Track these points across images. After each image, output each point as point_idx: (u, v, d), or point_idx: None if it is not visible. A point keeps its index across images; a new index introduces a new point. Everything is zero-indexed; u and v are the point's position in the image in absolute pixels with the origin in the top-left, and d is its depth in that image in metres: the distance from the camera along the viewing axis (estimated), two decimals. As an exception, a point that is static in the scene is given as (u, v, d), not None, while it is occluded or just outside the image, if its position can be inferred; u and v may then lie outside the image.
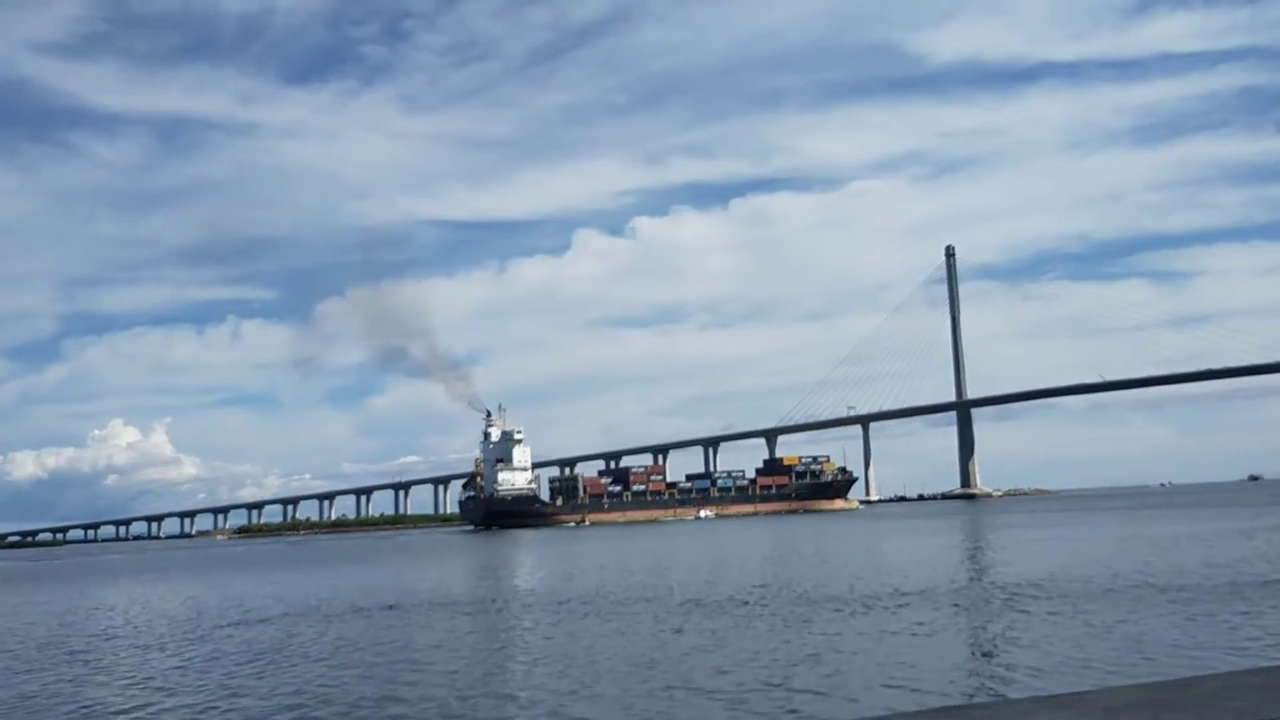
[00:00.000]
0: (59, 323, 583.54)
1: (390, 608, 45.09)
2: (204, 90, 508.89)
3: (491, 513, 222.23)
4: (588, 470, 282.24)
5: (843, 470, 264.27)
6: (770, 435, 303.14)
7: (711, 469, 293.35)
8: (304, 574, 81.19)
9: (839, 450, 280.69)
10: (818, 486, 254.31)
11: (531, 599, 46.54)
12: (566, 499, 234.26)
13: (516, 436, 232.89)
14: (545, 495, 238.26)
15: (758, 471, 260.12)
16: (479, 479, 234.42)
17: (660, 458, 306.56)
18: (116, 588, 77.31)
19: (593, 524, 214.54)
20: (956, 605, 35.67)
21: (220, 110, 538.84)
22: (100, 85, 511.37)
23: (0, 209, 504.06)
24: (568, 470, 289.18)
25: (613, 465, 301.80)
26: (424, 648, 32.16)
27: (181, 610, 51.12)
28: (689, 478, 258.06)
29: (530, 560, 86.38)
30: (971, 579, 45.97)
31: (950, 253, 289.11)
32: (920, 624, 31.44)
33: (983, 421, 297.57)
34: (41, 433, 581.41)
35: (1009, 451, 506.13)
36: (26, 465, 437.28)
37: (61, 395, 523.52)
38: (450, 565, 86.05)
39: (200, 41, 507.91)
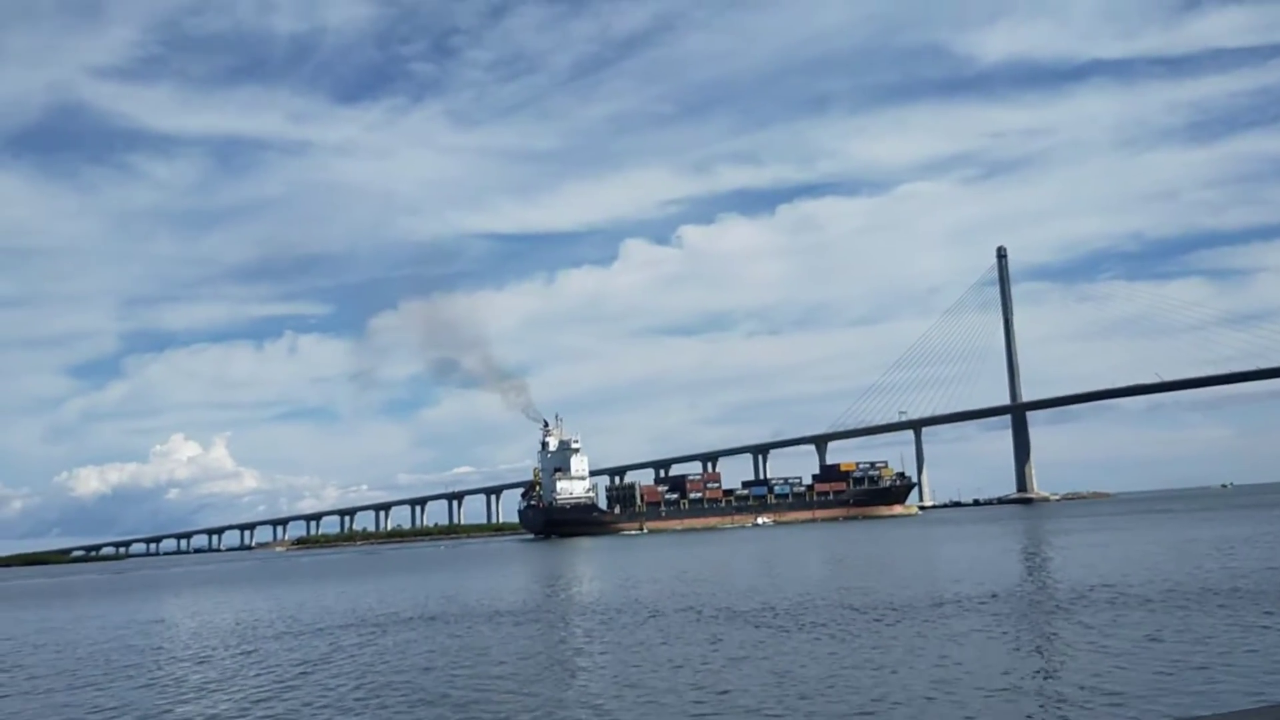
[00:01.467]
0: (120, 341, 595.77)
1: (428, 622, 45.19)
2: (258, 110, 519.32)
3: (551, 521, 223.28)
4: (638, 478, 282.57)
5: (901, 475, 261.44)
6: (820, 441, 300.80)
7: (761, 476, 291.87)
8: (366, 584, 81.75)
9: (890, 456, 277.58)
10: (876, 492, 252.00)
11: (601, 608, 46.43)
12: (624, 507, 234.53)
13: (574, 445, 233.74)
14: (603, 504, 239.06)
15: (814, 478, 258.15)
16: (537, 488, 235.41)
17: (710, 465, 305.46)
18: (174, 601, 78.44)
19: (650, 532, 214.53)
20: (1061, 611, 34.97)
21: (274, 130, 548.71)
22: (157, 107, 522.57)
23: (62, 230, 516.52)
24: (618, 479, 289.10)
25: (662, 473, 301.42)
26: (476, 658, 32.13)
27: (234, 622, 51.68)
28: (745, 484, 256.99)
29: (594, 568, 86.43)
30: (1063, 585, 45.09)
31: (1001, 254, 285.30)
32: (1051, 633, 30.85)
33: (1038, 424, 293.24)
34: (105, 449, 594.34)
35: (1066, 455, 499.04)
36: (90, 481, 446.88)
37: (124, 411, 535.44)
38: (516, 573, 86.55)
39: (253, 63, 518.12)
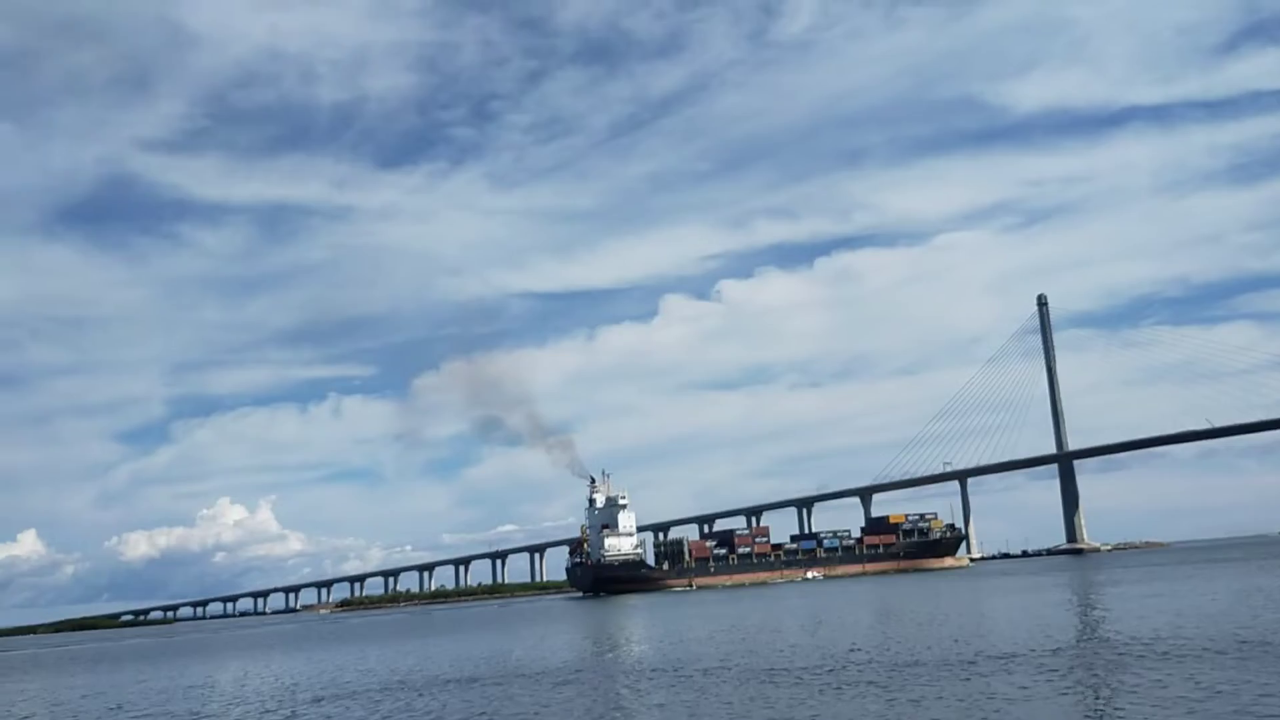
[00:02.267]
0: (168, 406, 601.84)
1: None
2: (302, 178, 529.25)
3: (599, 579, 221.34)
4: (682, 534, 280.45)
5: (951, 527, 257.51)
6: (865, 494, 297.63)
7: (807, 529, 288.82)
8: (412, 645, 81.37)
9: (936, 508, 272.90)
10: (926, 544, 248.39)
11: (652, 667, 45.85)
12: (672, 563, 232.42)
13: (621, 501, 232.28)
14: (651, 560, 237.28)
15: (863, 530, 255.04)
16: (585, 545, 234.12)
17: (755, 519, 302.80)
18: (216, 665, 78.44)
19: (699, 588, 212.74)
20: (1123, 664, 34.05)
21: (317, 196, 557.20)
22: (204, 178, 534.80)
23: (113, 299, 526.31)
24: (662, 535, 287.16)
25: (706, 528, 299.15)
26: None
27: (274, 686, 51.53)
28: (793, 538, 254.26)
29: (644, 627, 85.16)
30: (1125, 638, 43.95)
31: (1042, 302, 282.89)
32: (1118, 687, 30.04)
33: (1087, 473, 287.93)
34: (153, 513, 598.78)
35: (1116, 504, 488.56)
36: (139, 545, 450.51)
37: (171, 476, 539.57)
38: (566, 632, 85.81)
39: (297, 131, 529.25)
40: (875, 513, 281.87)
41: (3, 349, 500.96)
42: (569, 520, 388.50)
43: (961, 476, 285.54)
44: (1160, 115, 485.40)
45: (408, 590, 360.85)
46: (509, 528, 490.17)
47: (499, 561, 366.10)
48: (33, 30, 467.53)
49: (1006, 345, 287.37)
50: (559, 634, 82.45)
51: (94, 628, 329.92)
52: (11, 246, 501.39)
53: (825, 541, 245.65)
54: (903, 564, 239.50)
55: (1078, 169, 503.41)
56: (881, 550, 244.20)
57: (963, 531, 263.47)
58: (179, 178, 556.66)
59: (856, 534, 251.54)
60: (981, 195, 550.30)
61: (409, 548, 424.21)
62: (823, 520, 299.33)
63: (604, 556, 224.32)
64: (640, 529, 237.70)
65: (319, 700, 42.66)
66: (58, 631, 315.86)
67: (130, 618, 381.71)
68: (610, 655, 55.12)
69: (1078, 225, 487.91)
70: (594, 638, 73.41)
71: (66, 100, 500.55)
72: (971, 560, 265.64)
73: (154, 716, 41.34)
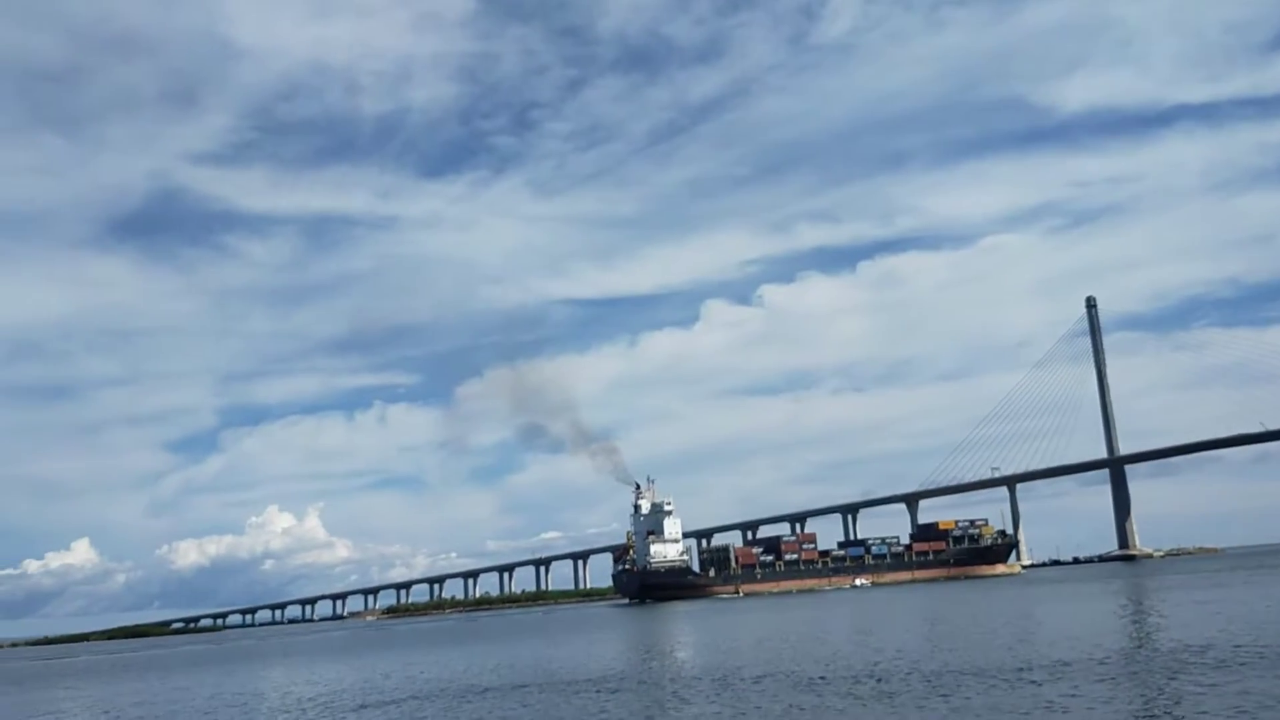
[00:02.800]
0: (217, 415, 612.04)
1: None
2: (346, 189, 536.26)
3: (645, 586, 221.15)
4: (725, 540, 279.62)
5: (1002, 534, 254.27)
6: (911, 500, 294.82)
7: (851, 536, 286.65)
8: (458, 651, 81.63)
9: (986, 514, 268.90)
10: (976, 551, 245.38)
11: (699, 674, 45.63)
12: (718, 570, 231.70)
13: (667, 508, 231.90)
14: (696, 567, 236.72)
15: (912, 537, 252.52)
16: (631, 552, 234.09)
17: (799, 526, 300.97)
18: (263, 672, 79.16)
19: (746, 595, 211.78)
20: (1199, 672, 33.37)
21: (362, 207, 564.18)
22: (251, 189, 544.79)
23: (163, 310, 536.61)
24: (705, 541, 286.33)
25: (750, 535, 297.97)
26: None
27: (320, 693, 51.85)
28: (841, 545, 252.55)
29: (691, 634, 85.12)
30: (1194, 646, 43.08)
31: (1091, 304, 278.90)
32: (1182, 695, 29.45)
33: (1138, 478, 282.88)
34: (203, 521, 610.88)
35: (1169, 509, 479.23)
36: (189, 554, 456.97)
37: (220, 485, 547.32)
38: (613, 639, 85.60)
39: (341, 143, 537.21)
40: (922, 519, 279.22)
41: (56, 361, 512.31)
42: (613, 527, 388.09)
43: (1010, 482, 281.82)
44: (1208, 114, 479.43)
45: (452, 597, 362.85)
46: (553, 534, 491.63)
47: (543, 568, 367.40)
48: (83, 46, 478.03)
49: (1054, 348, 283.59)
50: (607, 641, 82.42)
51: (145, 635, 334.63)
52: (65, 260, 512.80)
53: (873, 548, 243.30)
54: (952, 571, 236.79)
55: (1125, 169, 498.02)
56: (931, 557, 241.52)
57: (1014, 538, 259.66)
58: (226, 190, 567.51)
59: (905, 540, 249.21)
60: (1027, 197, 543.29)
61: (454, 555, 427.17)
62: (868, 527, 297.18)
63: (650, 563, 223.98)
64: (683, 535, 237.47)
65: (363, 707, 42.81)
66: (110, 639, 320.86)
67: (181, 625, 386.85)
68: (657, 663, 54.89)
69: (1126, 226, 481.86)
70: (642, 645, 73.16)
71: (116, 115, 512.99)
72: (1024, 567, 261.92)
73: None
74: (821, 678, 39.52)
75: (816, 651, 52.72)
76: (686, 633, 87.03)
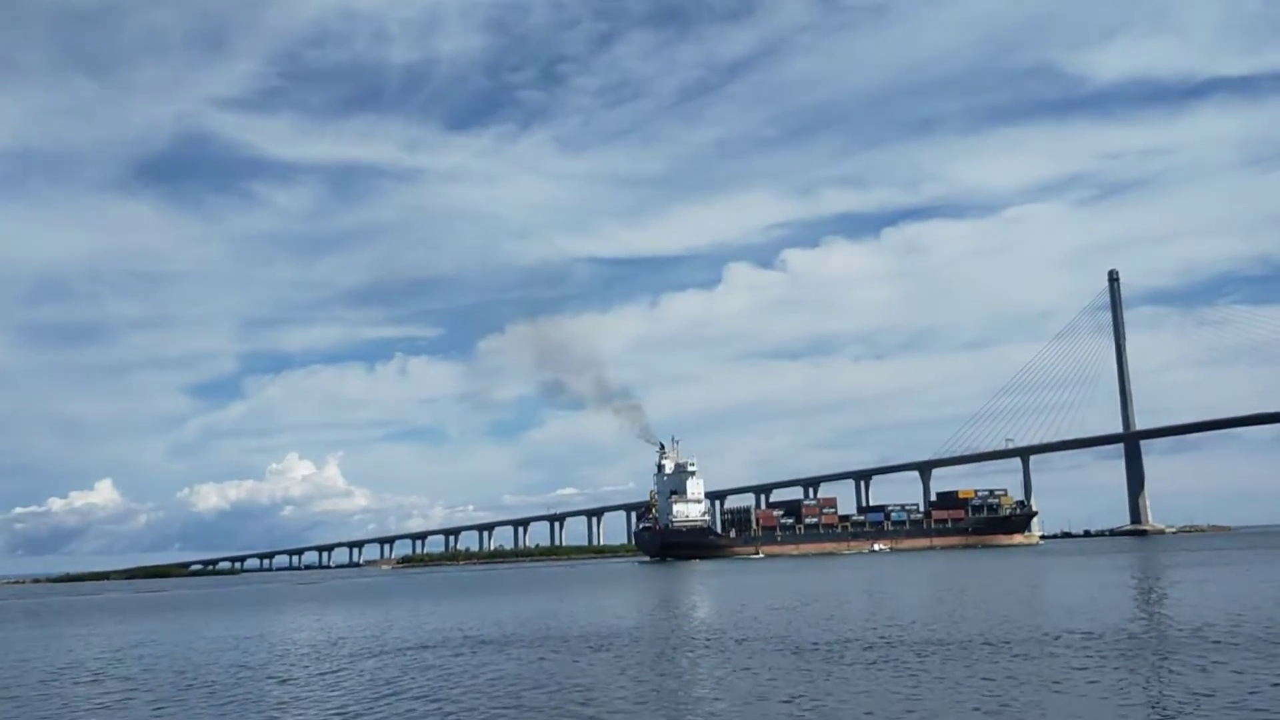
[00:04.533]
0: (240, 362, 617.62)
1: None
2: (372, 139, 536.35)
3: (667, 544, 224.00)
4: (737, 503, 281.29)
5: (1021, 504, 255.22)
6: (925, 468, 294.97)
7: (864, 502, 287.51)
8: (473, 603, 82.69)
9: (999, 485, 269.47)
10: (995, 521, 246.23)
11: (722, 632, 46.23)
12: (739, 531, 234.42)
13: (690, 469, 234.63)
14: (718, 527, 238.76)
15: (930, 504, 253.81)
16: (653, 510, 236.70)
17: (812, 490, 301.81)
18: (274, 617, 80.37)
19: (766, 556, 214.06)
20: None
21: (387, 157, 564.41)
22: (277, 137, 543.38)
23: (188, 255, 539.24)
24: (719, 503, 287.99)
25: (763, 498, 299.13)
26: (551, 684, 32.22)
27: (326, 639, 52.75)
28: (860, 510, 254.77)
29: (714, 593, 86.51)
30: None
31: (1114, 277, 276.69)
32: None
33: (1155, 454, 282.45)
34: (224, 466, 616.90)
35: (1183, 486, 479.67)
36: (210, 497, 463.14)
37: (242, 430, 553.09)
38: (638, 595, 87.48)
39: (368, 92, 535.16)
40: (934, 488, 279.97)
41: (84, 302, 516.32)
42: (629, 485, 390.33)
43: (1024, 454, 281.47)
44: (1246, 87, 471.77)
45: (467, 549, 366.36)
46: (569, 491, 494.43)
47: (557, 524, 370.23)
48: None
49: (1076, 321, 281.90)
50: (630, 597, 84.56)
51: (164, 576, 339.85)
52: (92, 202, 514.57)
53: (893, 514, 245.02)
54: (970, 539, 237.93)
55: (1158, 141, 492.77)
56: (950, 525, 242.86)
57: (1033, 509, 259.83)
58: (252, 136, 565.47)
59: (924, 508, 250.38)
60: (1057, 167, 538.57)
61: (471, 507, 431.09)
62: (880, 494, 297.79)
63: (672, 522, 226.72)
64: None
65: (370, 655, 43.54)
66: (130, 578, 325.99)
67: (199, 567, 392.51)
68: (674, 621, 55.61)
69: (1156, 199, 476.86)
70: (665, 602, 74.77)
71: (146, 57, 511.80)
72: (1043, 538, 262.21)
73: (202, 666, 42.56)
74: (828, 642, 39.98)
75: (829, 615, 53.28)
76: (707, 592, 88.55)
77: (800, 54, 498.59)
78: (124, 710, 31.45)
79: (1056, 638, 38.24)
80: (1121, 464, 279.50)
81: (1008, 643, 37.20)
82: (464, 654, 42.42)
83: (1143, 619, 45.47)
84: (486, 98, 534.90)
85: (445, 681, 34.07)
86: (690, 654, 38.89)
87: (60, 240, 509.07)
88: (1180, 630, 39.25)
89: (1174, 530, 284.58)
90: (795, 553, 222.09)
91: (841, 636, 41.86)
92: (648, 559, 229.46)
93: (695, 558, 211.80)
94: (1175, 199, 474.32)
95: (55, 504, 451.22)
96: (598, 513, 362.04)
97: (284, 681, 36.29)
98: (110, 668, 43.78)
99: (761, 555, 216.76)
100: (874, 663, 33.68)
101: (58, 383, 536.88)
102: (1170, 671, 29.56)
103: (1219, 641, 35.25)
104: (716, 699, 28.37)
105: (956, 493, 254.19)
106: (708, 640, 43.22)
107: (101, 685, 37.72)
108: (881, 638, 40.74)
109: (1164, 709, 24.32)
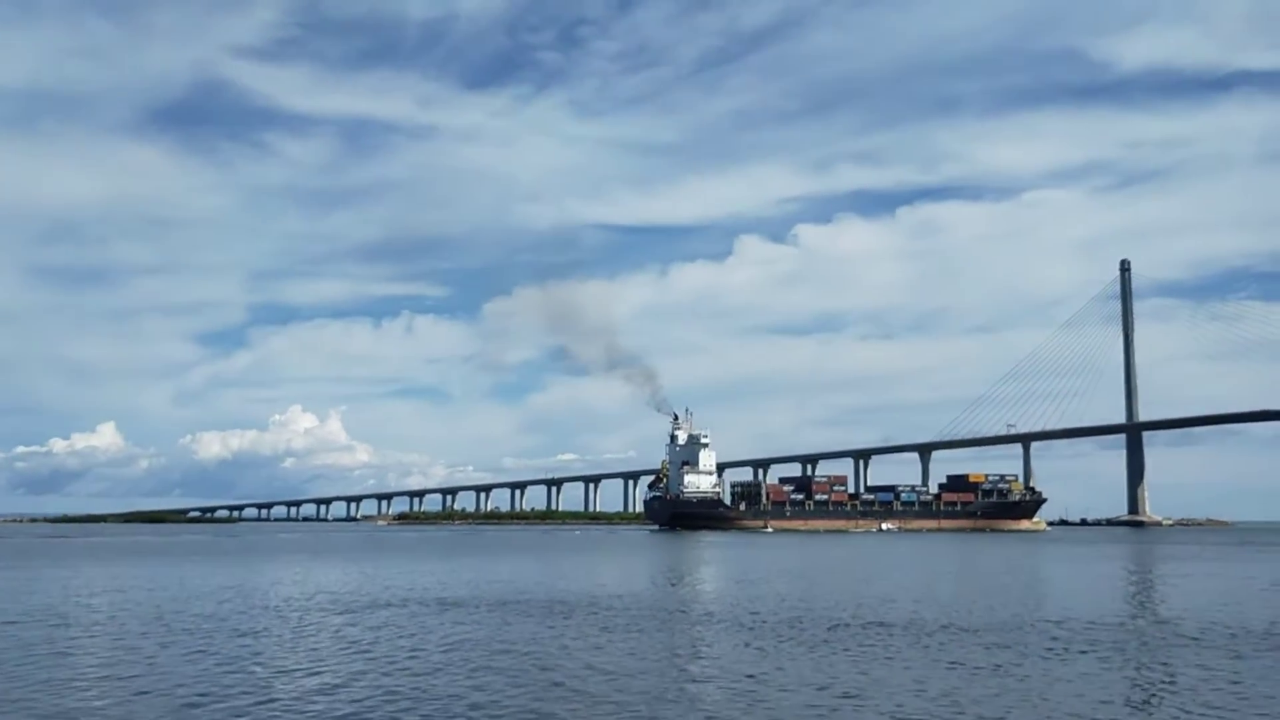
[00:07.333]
0: (247, 312, 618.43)
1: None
2: (388, 94, 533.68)
3: (677, 514, 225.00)
4: (735, 476, 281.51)
5: (1030, 490, 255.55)
6: (925, 450, 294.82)
7: (862, 481, 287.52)
8: (458, 562, 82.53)
9: (998, 469, 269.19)
10: (1004, 505, 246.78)
11: (732, 605, 45.84)
12: (749, 504, 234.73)
13: (703, 440, 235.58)
14: (727, 499, 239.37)
15: (940, 487, 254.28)
16: (664, 479, 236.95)
17: (810, 468, 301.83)
18: (263, 568, 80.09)
19: (775, 530, 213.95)
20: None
21: (402, 113, 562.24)
22: (292, 87, 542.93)
23: (199, 203, 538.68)
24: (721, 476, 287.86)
25: (761, 472, 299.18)
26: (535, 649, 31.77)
27: (307, 593, 52.48)
28: (870, 489, 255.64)
29: (724, 564, 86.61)
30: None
31: (1125, 267, 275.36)
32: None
33: (1157, 446, 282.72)
34: (227, 415, 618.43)
35: (1185, 479, 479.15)
36: (212, 445, 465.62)
37: (246, 380, 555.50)
38: (652, 563, 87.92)
39: (385, 46, 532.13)
40: (934, 471, 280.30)
41: (93, 245, 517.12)
42: (629, 454, 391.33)
43: (1025, 440, 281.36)
44: (1271, 81, 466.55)
45: (463, 509, 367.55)
46: (568, 456, 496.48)
47: (554, 489, 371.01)
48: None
49: (1085, 309, 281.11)
50: (652, 565, 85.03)
51: (162, 521, 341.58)
52: (105, 144, 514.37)
53: (903, 495, 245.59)
54: (979, 523, 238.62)
55: (1179, 132, 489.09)
56: (959, 508, 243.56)
57: (1043, 495, 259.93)
58: (268, 86, 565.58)
59: (934, 490, 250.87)
60: (1076, 153, 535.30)
61: (470, 468, 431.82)
62: (878, 474, 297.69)
63: (683, 493, 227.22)
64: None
65: (349, 611, 43.16)
66: (127, 522, 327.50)
67: (197, 514, 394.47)
68: (678, 590, 55.29)
69: (1174, 191, 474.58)
70: (674, 572, 75.08)
71: (164, 3, 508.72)
72: (1050, 525, 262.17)
73: (179, 615, 42.15)
74: (828, 622, 39.56)
75: (828, 593, 52.90)
76: (717, 563, 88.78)
77: (824, 26, 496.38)
78: (74, 656, 31.01)
79: (1033, 625, 37.76)
80: (1123, 454, 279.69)
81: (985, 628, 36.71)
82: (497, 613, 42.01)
83: (1124, 610, 45.00)
84: (504, 57, 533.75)
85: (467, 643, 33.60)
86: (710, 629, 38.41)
87: (71, 182, 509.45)
88: (1156, 624, 38.72)
89: (1170, 523, 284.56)
90: (804, 528, 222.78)
91: (827, 617, 41.36)
92: (656, 528, 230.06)
93: (704, 529, 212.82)
94: (1193, 191, 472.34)
95: (57, 445, 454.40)
96: (596, 479, 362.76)
97: (257, 634, 35.84)
98: (78, 612, 43.39)
99: (770, 529, 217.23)
100: (873, 645, 33.19)
101: (64, 324, 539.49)
102: (1137, 666, 29.01)
103: (1196, 638, 34.72)
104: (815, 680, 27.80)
105: (967, 476, 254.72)
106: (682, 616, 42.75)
107: (66, 630, 37.28)
108: (910, 619, 40.25)
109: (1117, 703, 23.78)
